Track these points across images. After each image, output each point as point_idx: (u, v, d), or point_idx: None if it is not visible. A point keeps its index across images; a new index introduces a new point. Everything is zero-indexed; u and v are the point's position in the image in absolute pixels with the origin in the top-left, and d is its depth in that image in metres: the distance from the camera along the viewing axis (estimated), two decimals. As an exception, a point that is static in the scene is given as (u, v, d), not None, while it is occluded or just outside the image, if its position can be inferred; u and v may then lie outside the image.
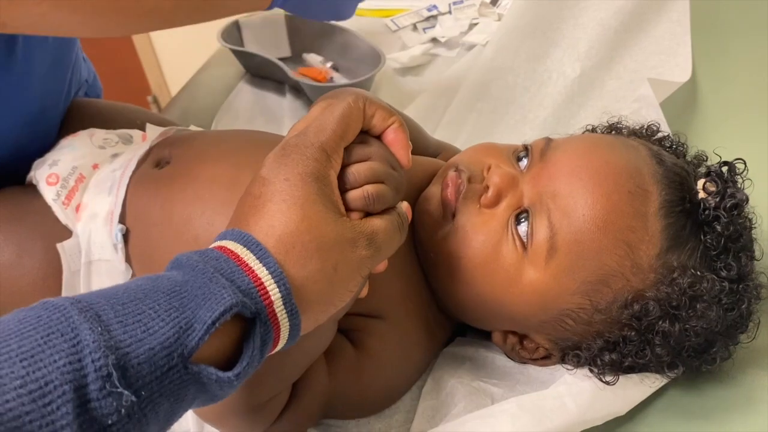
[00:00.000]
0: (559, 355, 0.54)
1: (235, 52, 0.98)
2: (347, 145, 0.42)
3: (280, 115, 0.94)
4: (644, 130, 0.61)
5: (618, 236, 0.48)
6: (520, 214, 0.51)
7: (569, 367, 0.52)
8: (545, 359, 0.55)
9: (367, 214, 0.42)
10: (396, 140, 0.44)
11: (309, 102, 0.93)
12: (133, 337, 0.31)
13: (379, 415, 0.55)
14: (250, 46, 1.00)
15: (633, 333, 0.49)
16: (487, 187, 0.52)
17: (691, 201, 0.50)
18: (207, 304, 0.33)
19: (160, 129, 0.64)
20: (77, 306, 0.31)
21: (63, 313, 0.31)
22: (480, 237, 0.51)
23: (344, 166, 0.42)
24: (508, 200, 0.52)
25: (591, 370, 0.50)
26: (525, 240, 0.50)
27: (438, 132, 0.85)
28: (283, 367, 0.46)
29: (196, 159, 0.56)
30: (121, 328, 0.31)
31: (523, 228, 0.51)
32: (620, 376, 0.50)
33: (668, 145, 0.60)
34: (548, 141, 0.54)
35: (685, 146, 0.61)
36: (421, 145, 0.68)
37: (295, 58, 1.02)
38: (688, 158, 0.59)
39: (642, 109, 0.73)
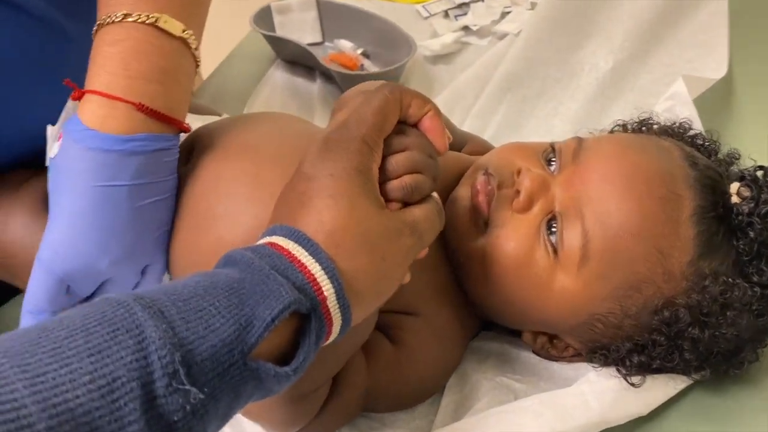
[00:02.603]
0: (587, 354, 0.54)
1: (266, 37, 0.98)
2: (387, 135, 0.43)
3: (311, 101, 0.94)
4: (676, 128, 0.61)
5: (650, 243, 0.48)
6: (552, 219, 0.51)
7: (596, 365, 0.53)
8: (573, 357, 0.55)
9: (405, 203, 0.43)
10: (432, 127, 0.45)
11: (340, 89, 0.93)
12: (196, 334, 0.32)
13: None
14: (282, 31, 1.00)
15: (662, 338, 0.49)
16: (519, 192, 0.52)
17: (725, 206, 0.50)
18: (266, 301, 0.34)
19: (200, 119, 0.64)
20: (140, 302, 0.32)
21: (127, 309, 0.31)
22: (512, 243, 0.51)
23: (383, 157, 0.42)
24: (540, 205, 0.51)
25: (618, 370, 0.51)
26: (556, 246, 0.50)
27: (467, 123, 0.84)
28: (326, 359, 0.46)
29: (219, 154, 0.56)
30: (183, 324, 0.32)
31: (554, 234, 0.51)
32: (646, 378, 0.50)
33: (700, 143, 0.60)
34: (580, 142, 0.54)
35: (717, 144, 0.60)
36: None
37: (326, 44, 1.02)
38: (720, 156, 0.58)
39: (675, 106, 0.72)
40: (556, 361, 0.56)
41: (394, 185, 0.42)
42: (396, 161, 0.42)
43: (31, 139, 0.54)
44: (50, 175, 0.51)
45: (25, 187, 0.58)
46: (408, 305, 0.54)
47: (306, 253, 0.37)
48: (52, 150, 0.51)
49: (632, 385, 0.49)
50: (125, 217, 0.49)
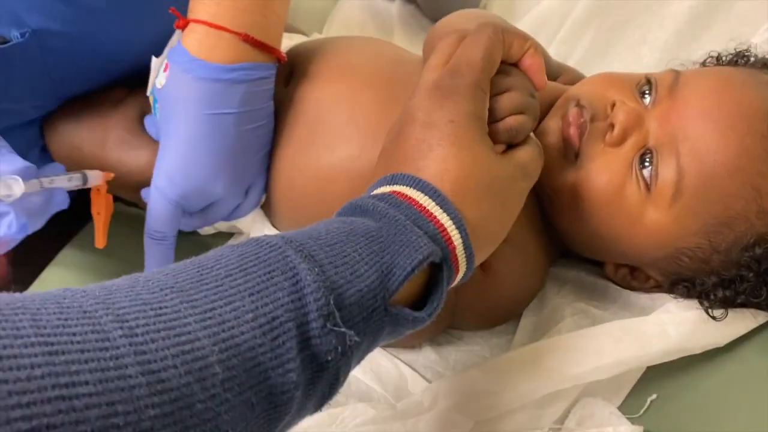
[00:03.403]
0: (669, 286, 0.55)
1: (346, -46, 0.97)
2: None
3: (390, 21, 0.93)
4: None
5: (747, 180, 0.48)
6: (645, 154, 0.51)
7: (678, 296, 0.53)
8: (654, 288, 0.56)
9: (510, 145, 0.43)
10: (533, 65, 0.45)
11: (420, 9, 0.92)
12: (344, 278, 0.32)
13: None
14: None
15: (751, 274, 0.49)
16: (612, 125, 0.51)
17: None
18: (405, 251, 0.34)
19: (287, 37, 0.65)
20: (292, 245, 0.32)
21: (280, 252, 0.32)
22: (604, 177, 0.51)
23: None
24: (633, 139, 0.51)
25: (700, 302, 0.51)
26: (649, 181, 0.50)
27: (551, 49, 0.82)
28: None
29: (317, 77, 0.57)
30: (333, 269, 0.32)
31: (648, 169, 0.50)
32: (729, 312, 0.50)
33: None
34: (676, 75, 0.53)
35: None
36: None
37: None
38: None
39: (775, 36, 0.69)
40: (636, 291, 0.57)
41: (500, 128, 0.42)
42: (501, 103, 0.42)
43: (136, 59, 0.57)
44: (158, 105, 0.54)
45: (124, 104, 0.61)
46: None
47: (434, 204, 0.37)
48: (159, 80, 0.53)
49: (713, 318, 0.50)
50: (233, 142, 0.52)
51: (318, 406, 0.33)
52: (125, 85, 0.62)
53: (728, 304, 0.51)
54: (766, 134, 0.48)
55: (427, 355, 0.57)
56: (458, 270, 0.38)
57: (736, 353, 0.52)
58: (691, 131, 0.49)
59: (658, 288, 0.56)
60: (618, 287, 0.58)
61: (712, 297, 0.51)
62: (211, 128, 0.51)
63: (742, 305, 0.51)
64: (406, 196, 0.38)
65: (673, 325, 0.50)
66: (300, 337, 0.30)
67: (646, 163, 0.51)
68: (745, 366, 0.52)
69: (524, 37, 0.45)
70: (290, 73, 0.60)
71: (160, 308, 0.28)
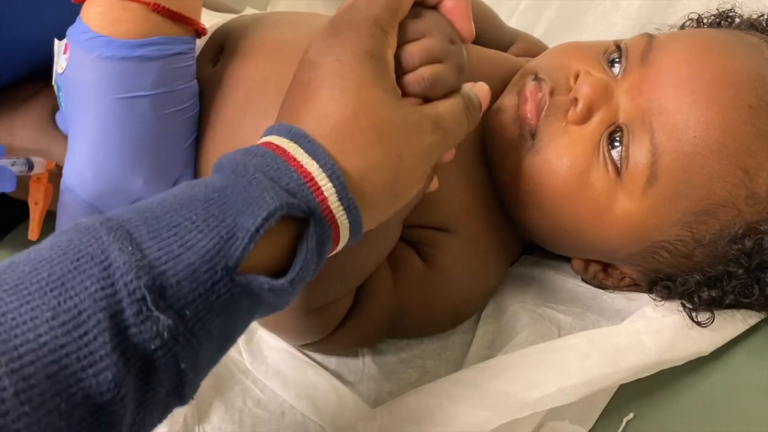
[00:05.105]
0: (647, 285, 0.49)
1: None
2: (401, 20, 0.37)
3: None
4: (765, 20, 0.52)
5: (733, 161, 0.42)
6: (614, 132, 0.45)
7: (657, 298, 0.48)
8: (630, 287, 0.50)
9: (427, 99, 0.37)
10: (455, 8, 0.38)
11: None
12: (170, 253, 0.29)
13: (437, 334, 0.52)
14: None
15: (740, 270, 0.44)
16: (576, 100, 0.45)
17: None
18: (249, 209, 0.31)
19: (217, 16, 0.59)
20: (106, 225, 0.29)
21: (93, 234, 0.29)
22: (565, 161, 0.45)
23: (398, 46, 0.37)
24: (600, 115, 0.45)
25: (683, 305, 0.46)
26: (619, 164, 0.44)
27: (513, 19, 0.77)
28: (343, 268, 0.44)
29: (248, 54, 0.52)
30: (155, 244, 0.29)
31: (617, 150, 0.44)
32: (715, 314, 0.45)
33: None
34: (650, 39, 0.47)
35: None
36: (493, 35, 0.61)
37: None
38: None
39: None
40: (609, 290, 0.51)
41: (410, 79, 0.37)
42: (410, 51, 0.37)
43: (35, 49, 0.52)
44: (62, 93, 0.49)
45: (31, 102, 0.56)
46: (442, 221, 0.49)
47: (302, 151, 0.33)
48: (60, 64, 0.48)
49: (698, 324, 0.45)
50: (151, 130, 0.47)
51: (174, 400, 0.30)
52: (35, 81, 0.57)
53: (715, 305, 0.46)
54: (755, 105, 0.43)
55: (371, 374, 0.51)
56: (337, 225, 0.34)
57: (723, 360, 0.48)
58: (666, 103, 0.44)
59: (636, 287, 0.50)
60: (590, 287, 0.53)
61: (696, 298, 0.46)
62: (123, 115, 0.46)
63: (731, 306, 0.46)
64: (273, 145, 0.34)
65: (649, 334, 0.45)
66: (115, 328, 0.27)
67: (616, 143, 0.45)
68: (735, 374, 0.47)
69: None
70: (220, 51, 0.55)
71: None
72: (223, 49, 0.54)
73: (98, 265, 0.28)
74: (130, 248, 0.29)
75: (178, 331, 0.28)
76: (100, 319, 0.27)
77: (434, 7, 0.39)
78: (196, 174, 0.52)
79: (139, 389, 0.28)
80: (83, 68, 0.45)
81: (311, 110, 0.35)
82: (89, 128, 0.46)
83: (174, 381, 0.29)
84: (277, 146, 0.33)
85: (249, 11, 0.80)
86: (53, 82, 0.50)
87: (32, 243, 0.49)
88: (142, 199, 0.49)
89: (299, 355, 0.50)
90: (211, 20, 0.59)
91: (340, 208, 0.33)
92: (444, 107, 0.37)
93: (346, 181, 0.33)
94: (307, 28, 0.54)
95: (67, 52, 0.47)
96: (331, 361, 0.50)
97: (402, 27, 0.37)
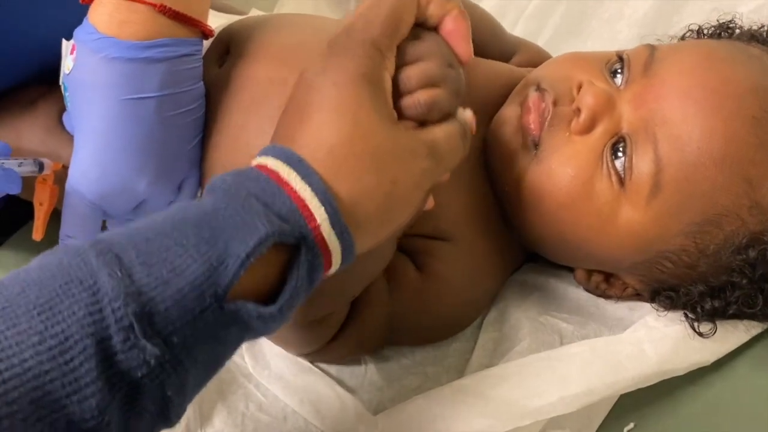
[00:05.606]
0: (649, 294, 0.49)
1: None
2: (400, 42, 0.37)
3: (346, 1, 0.86)
4: (766, 32, 0.52)
5: (736, 171, 0.42)
6: (618, 142, 0.45)
7: (659, 308, 0.48)
8: (632, 297, 0.50)
9: (423, 122, 0.37)
10: (455, 31, 0.38)
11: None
12: (159, 279, 0.29)
13: (437, 342, 0.52)
14: None
15: (744, 281, 0.44)
16: (579, 110, 0.45)
17: None
18: (239, 235, 0.30)
19: (223, 17, 0.59)
20: (96, 248, 0.29)
21: (82, 258, 0.29)
22: (569, 171, 0.45)
23: (396, 68, 0.37)
24: (603, 125, 0.45)
25: (686, 315, 0.46)
26: (622, 174, 0.44)
27: (518, 26, 0.76)
28: (337, 285, 0.43)
29: (254, 57, 0.52)
30: (144, 270, 0.29)
31: (620, 160, 0.44)
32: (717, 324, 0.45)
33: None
34: (652, 50, 0.47)
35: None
36: (495, 46, 0.60)
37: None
38: None
39: (765, 5, 0.62)
40: (611, 299, 0.51)
41: (407, 103, 0.36)
42: (408, 75, 0.37)
43: (42, 50, 0.51)
44: (68, 93, 0.49)
45: (40, 104, 0.56)
46: (439, 230, 0.49)
47: (296, 175, 0.32)
48: (67, 64, 0.48)
49: (700, 334, 0.45)
50: (156, 131, 0.47)
51: (161, 423, 0.30)
52: (43, 82, 0.56)
53: (718, 316, 0.46)
54: (758, 116, 0.43)
55: (372, 380, 0.50)
56: (329, 251, 0.33)
57: (724, 370, 0.48)
58: (669, 114, 0.43)
59: (638, 297, 0.50)
60: (592, 295, 0.52)
61: (699, 309, 0.46)
62: (129, 116, 0.46)
63: (734, 316, 0.46)
64: (267, 168, 0.33)
65: (651, 343, 0.45)
66: (101, 354, 0.27)
67: (619, 154, 0.45)
68: (737, 385, 0.47)
69: None
70: (226, 52, 0.55)
71: None
72: (228, 49, 0.54)
73: (87, 290, 0.28)
74: (119, 273, 0.28)
75: (165, 359, 0.28)
76: (86, 345, 0.27)
77: (434, 28, 0.39)
78: (201, 175, 0.52)
79: (124, 414, 0.28)
80: (90, 69, 0.45)
81: (306, 133, 0.34)
82: (95, 129, 0.46)
83: (159, 406, 0.29)
84: (271, 170, 0.33)
85: (254, 13, 0.80)
86: (60, 82, 0.50)
87: (36, 243, 0.50)
88: (147, 200, 0.49)
89: (301, 360, 0.50)
90: (216, 21, 0.59)
91: (333, 234, 0.33)
92: (440, 133, 0.37)
93: (339, 206, 0.33)
94: (312, 31, 0.54)
95: (74, 52, 0.47)
96: (333, 367, 0.50)
97: (401, 48, 0.37)
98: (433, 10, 0.38)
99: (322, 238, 0.32)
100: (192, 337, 0.29)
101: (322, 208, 0.32)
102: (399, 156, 0.35)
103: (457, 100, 0.38)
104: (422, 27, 0.38)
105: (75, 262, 0.29)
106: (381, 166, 0.34)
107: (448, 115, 0.38)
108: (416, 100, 0.36)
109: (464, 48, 0.38)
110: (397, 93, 0.37)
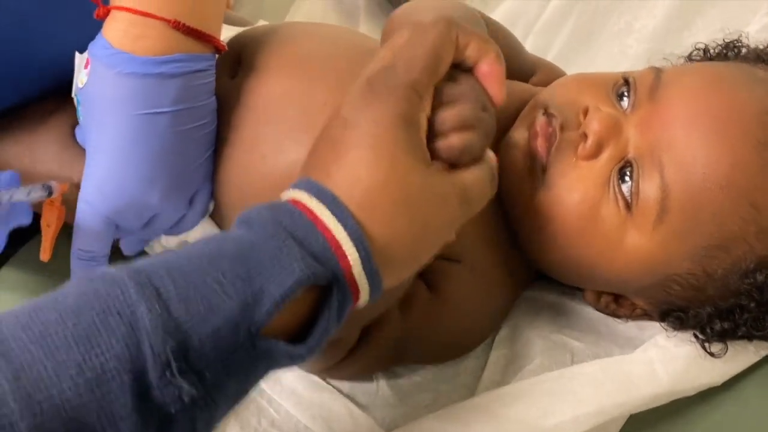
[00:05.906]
0: (659, 315, 0.49)
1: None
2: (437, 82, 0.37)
3: (356, 13, 0.87)
4: None
5: (743, 196, 0.43)
6: (624, 167, 0.45)
7: (669, 328, 0.48)
8: (642, 317, 0.51)
9: (454, 164, 0.37)
10: (490, 74, 0.38)
11: (389, 1, 0.85)
12: (196, 315, 0.29)
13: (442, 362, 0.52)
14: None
15: (752, 303, 0.44)
16: (585, 136, 0.45)
17: None
18: (276, 276, 0.31)
19: (232, 30, 0.59)
20: (135, 279, 0.29)
21: (121, 288, 0.29)
22: (576, 196, 0.45)
23: (432, 108, 0.37)
24: (610, 151, 0.45)
25: (696, 336, 0.46)
26: (629, 199, 0.44)
27: (528, 41, 0.76)
28: (355, 315, 0.43)
29: (267, 68, 0.52)
30: (182, 306, 0.29)
31: (627, 185, 0.45)
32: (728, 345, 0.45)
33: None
34: (658, 73, 0.47)
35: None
36: (515, 64, 0.60)
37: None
38: None
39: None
40: (621, 318, 0.51)
41: (441, 145, 0.37)
42: (444, 117, 0.37)
43: (57, 65, 0.51)
44: (81, 107, 0.49)
45: (54, 117, 0.56)
46: (450, 251, 0.48)
47: (330, 215, 0.33)
48: (81, 78, 0.48)
49: (711, 354, 0.45)
50: (170, 146, 0.47)
51: None
52: (57, 95, 0.56)
53: (727, 337, 0.46)
54: (764, 141, 0.43)
55: (384, 397, 0.51)
56: (358, 290, 0.34)
57: (734, 391, 0.48)
58: (675, 140, 0.44)
59: (647, 317, 0.50)
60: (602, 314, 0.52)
61: (708, 329, 0.46)
62: (143, 131, 0.46)
63: (744, 338, 0.46)
64: (302, 204, 0.33)
65: (662, 363, 0.45)
66: (137, 389, 0.27)
67: (626, 178, 0.45)
68: (746, 407, 0.47)
69: (484, 40, 0.38)
70: (238, 62, 0.54)
71: None
72: (240, 59, 0.54)
73: (126, 324, 0.28)
74: (157, 308, 0.28)
75: (198, 396, 0.28)
76: (124, 380, 0.27)
77: (469, 70, 0.39)
78: (213, 188, 0.52)
79: None
80: (104, 83, 0.46)
81: (342, 170, 0.34)
82: (108, 143, 0.46)
83: None
84: (305, 206, 0.33)
85: (262, 23, 0.80)
86: (73, 95, 0.50)
87: (42, 262, 0.51)
88: (159, 214, 0.50)
89: (314, 377, 0.50)
90: (225, 33, 0.59)
91: (363, 275, 0.33)
92: (471, 177, 0.37)
93: (371, 248, 0.33)
94: (323, 41, 0.54)
95: (88, 66, 0.47)
96: (345, 384, 0.50)
97: (437, 89, 0.37)
98: (470, 52, 0.38)
99: (353, 279, 0.33)
100: (223, 373, 0.29)
101: (355, 249, 0.32)
102: (432, 201, 0.35)
103: (487, 142, 0.38)
104: (458, 68, 0.38)
105: (113, 292, 0.28)
106: (414, 211, 0.35)
107: (478, 158, 0.38)
108: (450, 144, 0.36)
109: (498, 91, 0.39)
110: (431, 133, 0.37)
